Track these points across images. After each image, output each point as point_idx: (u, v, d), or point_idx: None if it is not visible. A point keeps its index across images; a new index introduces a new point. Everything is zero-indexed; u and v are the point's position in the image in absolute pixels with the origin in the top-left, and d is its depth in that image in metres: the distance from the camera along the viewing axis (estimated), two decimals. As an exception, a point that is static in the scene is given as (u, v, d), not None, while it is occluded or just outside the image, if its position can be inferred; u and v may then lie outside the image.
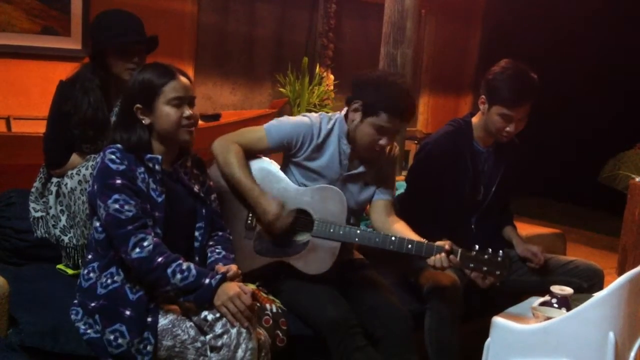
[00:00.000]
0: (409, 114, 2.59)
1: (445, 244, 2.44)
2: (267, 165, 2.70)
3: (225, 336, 2.09)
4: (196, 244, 2.36)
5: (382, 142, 2.57)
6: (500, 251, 2.42)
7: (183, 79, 2.26)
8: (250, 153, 2.66)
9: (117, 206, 2.13)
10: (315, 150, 2.65)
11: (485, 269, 2.41)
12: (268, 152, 2.71)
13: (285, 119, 2.70)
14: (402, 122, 2.58)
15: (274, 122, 2.67)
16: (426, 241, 2.47)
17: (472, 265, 2.43)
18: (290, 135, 2.62)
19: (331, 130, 2.66)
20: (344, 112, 2.68)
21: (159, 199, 2.23)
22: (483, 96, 2.89)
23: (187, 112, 2.25)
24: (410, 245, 2.47)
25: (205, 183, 2.45)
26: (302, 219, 2.60)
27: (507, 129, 2.83)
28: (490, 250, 2.41)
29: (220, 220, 2.47)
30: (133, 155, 2.21)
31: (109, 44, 2.65)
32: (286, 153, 2.70)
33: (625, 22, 6.35)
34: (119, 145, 2.22)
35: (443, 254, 2.42)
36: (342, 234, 2.52)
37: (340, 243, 2.54)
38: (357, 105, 2.57)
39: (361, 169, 2.69)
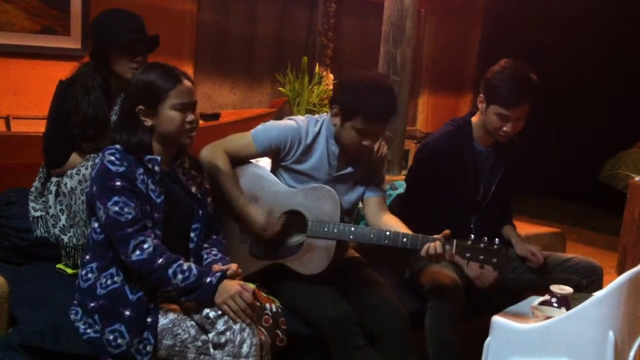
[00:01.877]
0: (385, 116, 2.55)
1: (441, 235, 2.44)
2: (258, 170, 2.70)
3: (228, 332, 2.09)
4: (191, 245, 2.36)
5: (366, 142, 2.56)
6: (496, 239, 2.42)
7: (187, 83, 2.25)
8: (238, 159, 2.66)
9: (116, 208, 2.13)
10: (303, 153, 2.64)
11: (481, 257, 2.40)
12: (256, 157, 2.71)
13: (272, 124, 2.69)
14: (380, 123, 2.56)
15: (261, 127, 2.66)
16: (421, 235, 2.47)
17: (468, 254, 2.42)
18: (277, 140, 2.62)
19: (319, 132, 2.66)
20: (330, 113, 2.69)
21: (158, 200, 2.23)
22: (481, 95, 2.89)
23: (190, 117, 2.25)
24: (405, 239, 2.46)
25: (202, 184, 2.45)
26: (296, 220, 2.60)
27: (504, 128, 2.82)
28: (486, 239, 2.41)
29: (215, 223, 2.47)
30: (132, 156, 2.21)
31: (112, 42, 2.65)
32: (275, 157, 2.70)
33: (626, 20, 6.36)
34: (118, 146, 2.21)
35: (437, 242, 2.41)
36: (337, 232, 2.52)
37: (335, 242, 2.54)
38: (335, 109, 2.58)
39: (350, 169, 2.69)
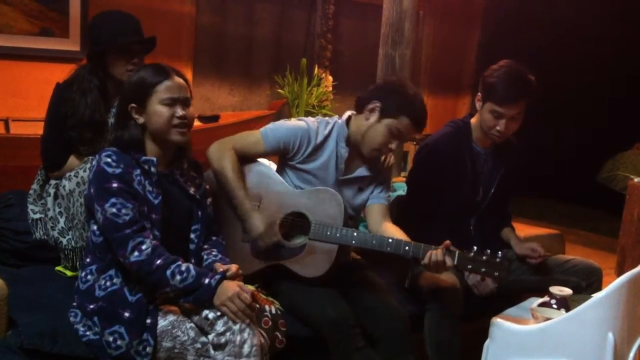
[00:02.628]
0: (424, 125, 2.66)
1: (442, 246, 2.44)
2: (264, 169, 2.70)
3: (228, 333, 2.09)
4: (192, 246, 2.36)
5: (392, 145, 2.60)
6: (499, 252, 2.42)
7: (177, 78, 2.26)
8: (247, 157, 2.66)
9: (114, 210, 2.12)
10: (311, 153, 2.65)
11: (483, 270, 2.40)
12: (264, 155, 2.72)
13: (282, 123, 2.69)
14: (417, 130, 2.64)
15: (270, 125, 2.67)
16: (423, 244, 2.47)
17: (470, 266, 2.42)
18: (287, 139, 2.62)
19: (329, 134, 2.67)
20: (345, 116, 2.69)
21: (156, 201, 2.23)
22: (479, 93, 2.89)
23: (180, 112, 2.23)
24: (407, 247, 2.46)
25: (202, 186, 2.44)
26: (299, 222, 2.60)
27: (498, 127, 2.82)
28: (488, 251, 2.40)
29: (214, 224, 2.47)
30: (129, 158, 2.21)
31: (108, 44, 2.65)
32: (282, 157, 2.70)
33: (624, 21, 6.36)
34: (114, 148, 2.21)
35: (439, 250, 2.41)
36: (339, 236, 2.52)
37: (337, 246, 2.54)
38: (375, 105, 2.59)
39: (357, 173, 2.70)
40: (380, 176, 2.76)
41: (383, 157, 2.76)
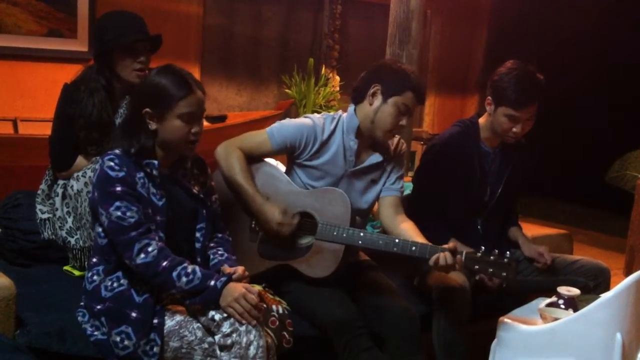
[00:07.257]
0: (425, 96, 2.71)
1: (450, 245, 2.44)
2: (271, 169, 2.71)
3: (234, 334, 2.09)
4: (197, 245, 2.36)
5: (403, 122, 2.62)
6: (507, 252, 2.41)
7: (199, 93, 2.23)
8: (254, 157, 2.67)
9: (119, 213, 2.13)
10: (318, 150, 2.65)
11: (490, 270, 2.39)
12: (271, 155, 2.72)
13: (287, 121, 2.70)
14: (420, 102, 2.67)
15: (276, 124, 2.68)
16: (430, 243, 2.47)
17: (477, 267, 2.41)
18: (293, 137, 2.63)
19: (334, 129, 2.67)
20: (351, 109, 2.69)
21: (160, 203, 2.23)
22: (489, 97, 2.89)
23: (196, 128, 2.23)
24: (414, 248, 2.46)
25: (206, 183, 2.44)
26: (306, 222, 2.60)
27: (514, 129, 2.83)
28: (496, 251, 2.40)
29: (220, 221, 2.47)
30: (131, 161, 2.20)
31: (114, 44, 2.66)
32: (290, 155, 2.71)
33: (631, 21, 6.34)
34: (117, 152, 2.20)
35: (448, 253, 2.41)
36: (346, 236, 2.51)
37: (344, 246, 2.53)
38: (375, 89, 2.61)
39: (367, 162, 2.70)
40: (393, 163, 2.76)
41: (395, 143, 2.76)
